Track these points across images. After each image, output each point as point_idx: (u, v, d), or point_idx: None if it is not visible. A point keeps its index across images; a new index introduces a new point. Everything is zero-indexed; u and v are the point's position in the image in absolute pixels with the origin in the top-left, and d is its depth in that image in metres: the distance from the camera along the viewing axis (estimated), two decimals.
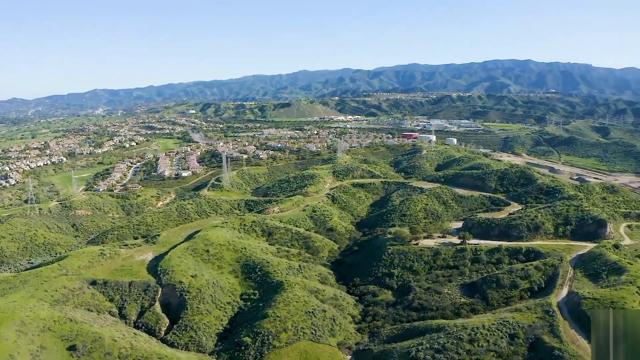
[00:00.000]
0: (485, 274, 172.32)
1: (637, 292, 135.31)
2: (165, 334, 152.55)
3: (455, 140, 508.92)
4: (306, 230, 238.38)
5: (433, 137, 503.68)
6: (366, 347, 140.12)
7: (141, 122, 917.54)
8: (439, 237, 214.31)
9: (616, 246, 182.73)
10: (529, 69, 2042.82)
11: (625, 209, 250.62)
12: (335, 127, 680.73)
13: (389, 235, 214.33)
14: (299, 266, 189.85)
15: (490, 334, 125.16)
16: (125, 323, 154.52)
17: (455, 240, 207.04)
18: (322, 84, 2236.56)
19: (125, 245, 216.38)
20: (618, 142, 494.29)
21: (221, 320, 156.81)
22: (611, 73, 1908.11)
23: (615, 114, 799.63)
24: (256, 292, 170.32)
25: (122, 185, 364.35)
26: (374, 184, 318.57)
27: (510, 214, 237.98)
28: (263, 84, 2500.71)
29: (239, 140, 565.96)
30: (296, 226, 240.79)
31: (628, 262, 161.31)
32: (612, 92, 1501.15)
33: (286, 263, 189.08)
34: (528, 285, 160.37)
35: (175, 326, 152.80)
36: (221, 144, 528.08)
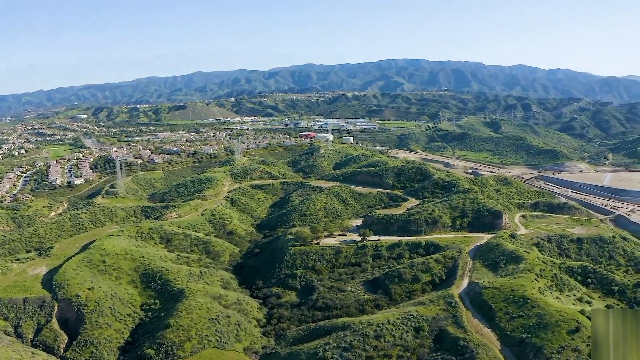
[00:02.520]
0: (387, 270, 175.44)
1: (535, 280, 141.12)
2: (65, 351, 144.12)
3: (352, 138, 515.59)
4: (206, 234, 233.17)
5: (330, 137, 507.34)
6: (273, 351, 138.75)
7: (30, 129, 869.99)
8: (339, 235, 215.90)
9: (512, 236, 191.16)
10: (421, 68, 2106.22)
11: (519, 199, 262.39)
12: (232, 129, 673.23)
13: (290, 236, 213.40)
14: (200, 272, 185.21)
15: (396, 329, 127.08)
16: (22, 342, 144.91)
17: (356, 237, 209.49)
18: (218, 85, 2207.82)
19: (18, 259, 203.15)
20: (509, 136, 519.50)
21: (122, 333, 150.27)
22: (501, 70, 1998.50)
23: (505, 109, 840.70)
24: (157, 301, 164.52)
25: (12, 196, 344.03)
26: (272, 184, 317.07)
27: (408, 209, 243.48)
28: (157, 86, 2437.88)
29: (133, 144, 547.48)
30: (195, 231, 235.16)
31: (525, 251, 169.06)
32: (503, 89, 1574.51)
33: (187, 270, 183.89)
34: (429, 278, 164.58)
35: (74, 342, 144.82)
36: (115, 149, 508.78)
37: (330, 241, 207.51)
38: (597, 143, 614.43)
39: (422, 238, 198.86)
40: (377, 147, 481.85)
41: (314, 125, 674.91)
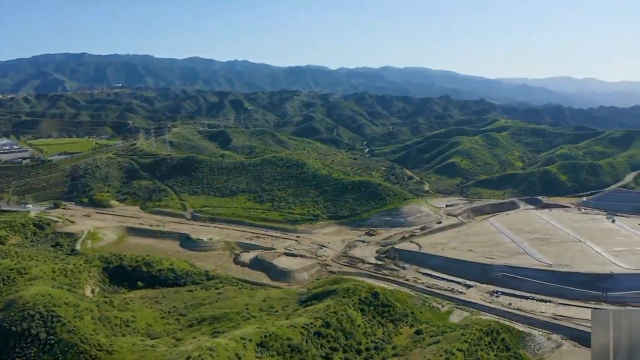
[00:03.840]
0: None
1: None
2: None
3: None
4: None
5: None
6: None
7: None
8: None
9: None
10: (85, 63, 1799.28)
11: None
12: None
13: None
14: None
15: None
16: None
17: None
18: None
19: None
20: (269, 159, 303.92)
21: None
22: (175, 63, 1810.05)
23: (210, 110, 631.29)
24: None
25: None
26: None
27: None
28: None
29: None
30: None
31: None
32: (183, 83, 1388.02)
33: None
34: None
35: None
36: None
37: None
38: (366, 152, 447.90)
39: None
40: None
41: None
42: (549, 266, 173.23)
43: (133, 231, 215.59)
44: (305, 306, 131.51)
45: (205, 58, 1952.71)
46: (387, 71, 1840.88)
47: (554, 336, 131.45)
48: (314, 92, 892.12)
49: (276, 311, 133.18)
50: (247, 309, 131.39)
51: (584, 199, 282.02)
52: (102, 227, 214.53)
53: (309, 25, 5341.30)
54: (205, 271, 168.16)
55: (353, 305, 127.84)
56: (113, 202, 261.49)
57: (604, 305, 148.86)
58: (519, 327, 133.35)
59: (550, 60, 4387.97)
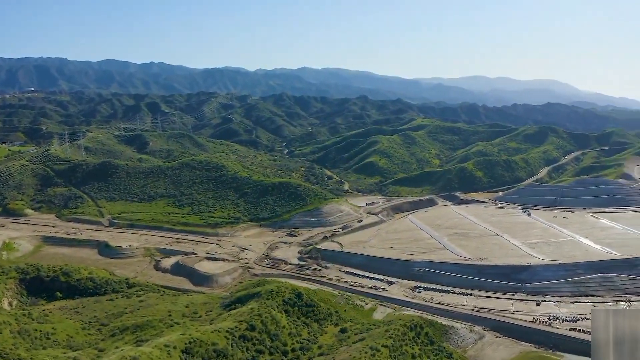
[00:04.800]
0: None
1: None
2: None
3: None
4: None
5: None
6: None
7: None
8: None
9: None
10: None
11: None
12: None
13: None
14: None
15: None
16: None
17: None
18: None
19: None
20: (188, 162, 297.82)
21: None
22: (90, 66, 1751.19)
23: (126, 114, 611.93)
24: None
25: None
26: None
27: None
28: None
29: None
30: None
31: None
32: (98, 86, 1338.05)
33: None
34: None
35: None
36: None
37: None
38: (285, 153, 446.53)
39: None
40: None
41: None
42: (469, 260, 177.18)
43: (50, 240, 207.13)
44: (229, 310, 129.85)
45: (120, 60, 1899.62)
46: (304, 72, 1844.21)
47: (476, 328, 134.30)
48: (232, 94, 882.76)
49: (200, 316, 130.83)
50: (170, 315, 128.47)
51: (500, 194, 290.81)
52: (17, 237, 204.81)
53: (225, 26, 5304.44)
54: (126, 279, 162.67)
55: (277, 307, 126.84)
56: (28, 211, 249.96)
57: (522, 296, 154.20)
58: (442, 320, 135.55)
59: (465, 60, 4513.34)
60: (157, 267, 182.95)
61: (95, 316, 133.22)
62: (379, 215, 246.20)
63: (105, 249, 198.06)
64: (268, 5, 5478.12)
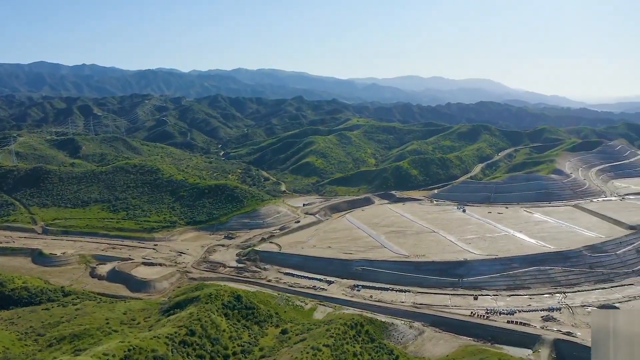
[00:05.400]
0: None
1: None
2: None
3: None
4: None
5: None
6: None
7: None
8: None
9: None
10: None
11: None
12: None
13: None
14: None
15: None
16: None
17: None
18: None
19: None
20: (121, 166, 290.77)
21: None
22: (20, 68, 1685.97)
23: (57, 117, 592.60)
24: None
25: None
26: None
27: None
28: None
29: None
30: None
31: None
32: (29, 89, 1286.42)
33: None
34: None
35: None
36: None
37: None
38: (221, 155, 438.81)
39: None
40: None
41: None
42: (406, 257, 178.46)
43: None
44: (168, 315, 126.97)
45: (51, 62, 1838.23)
46: (239, 73, 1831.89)
47: (416, 324, 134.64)
48: (165, 96, 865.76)
49: (138, 323, 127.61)
50: (107, 323, 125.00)
51: (435, 191, 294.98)
52: None
53: (158, 27, 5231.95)
54: (61, 287, 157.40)
55: (217, 311, 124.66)
56: None
57: (460, 291, 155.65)
58: (382, 318, 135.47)
59: (399, 60, 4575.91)
60: (93, 274, 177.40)
61: (31, 326, 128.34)
62: (317, 215, 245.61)
63: (39, 257, 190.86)
64: (201, 6, 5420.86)
